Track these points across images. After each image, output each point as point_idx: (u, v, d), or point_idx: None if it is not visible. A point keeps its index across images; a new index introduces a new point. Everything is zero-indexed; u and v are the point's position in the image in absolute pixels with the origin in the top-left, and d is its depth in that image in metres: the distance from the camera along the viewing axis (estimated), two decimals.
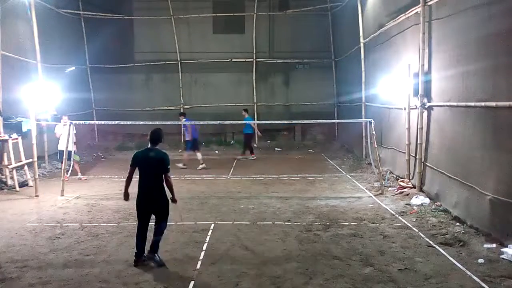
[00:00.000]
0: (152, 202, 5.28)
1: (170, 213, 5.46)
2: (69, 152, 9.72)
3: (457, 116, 6.87)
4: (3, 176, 9.76)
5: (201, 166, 12.05)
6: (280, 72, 17.68)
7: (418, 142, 8.38)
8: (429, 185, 7.98)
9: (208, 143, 16.48)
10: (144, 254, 5.27)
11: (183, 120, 12.44)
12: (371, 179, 10.19)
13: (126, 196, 5.44)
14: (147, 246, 5.33)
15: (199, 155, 12.28)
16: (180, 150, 15.72)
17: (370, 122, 9.30)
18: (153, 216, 5.40)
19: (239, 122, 13.46)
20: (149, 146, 5.38)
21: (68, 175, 10.22)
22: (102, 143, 16.66)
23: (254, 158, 13.85)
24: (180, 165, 12.04)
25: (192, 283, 4.74)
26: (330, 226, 6.69)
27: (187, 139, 12.66)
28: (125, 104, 16.56)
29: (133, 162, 5.36)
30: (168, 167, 5.29)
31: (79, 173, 10.78)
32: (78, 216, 7.40)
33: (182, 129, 12.83)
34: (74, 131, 10.09)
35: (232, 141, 14.27)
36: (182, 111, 15.12)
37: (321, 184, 10.07)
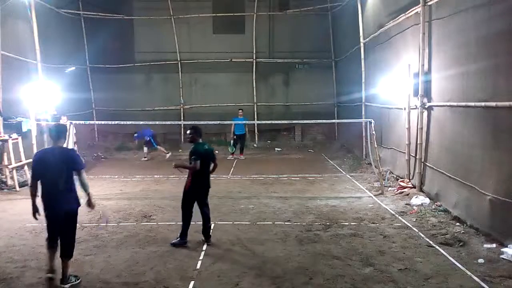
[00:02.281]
0: (204, 189, 6.05)
1: None
2: None
3: (457, 116, 6.87)
4: (3, 176, 9.76)
5: (144, 159, 13.93)
6: (280, 72, 17.67)
7: (418, 142, 8.38)
8: (429, 185, 7.98)
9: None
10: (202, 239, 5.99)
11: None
12: (371, 179, 10.18)
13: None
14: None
15: (145, 149, 14.14)
16: (180, 150, 15.74)
17: (370, 122, 9.30)
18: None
19: (240, 122, 13.51)
20: (200, 141, 6.06)
21: None
22: (102, 143, 16.66)
23: (232, 158, 13.98)
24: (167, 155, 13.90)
25: (192, 283, 4.74)
26: (330, 226, 6.69)
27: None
28: (125, 104, 16.54)
29: (199, 157, 5.84)
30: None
31: None
32: (78, 216, 7.37)
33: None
34: (74, 131, 10.13)
35: (232, 141, 14.33)
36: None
37: (321, 184, 10.07)
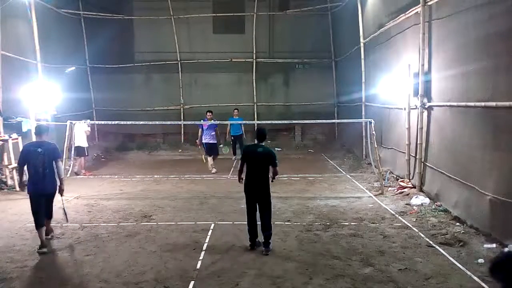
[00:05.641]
0: (256, 192, 5.81)
1: None
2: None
3: (457, 116, 6.87)
4: (3, 176, 9.76)
5: (213, 170, 11.59)
6: (280, 72, 17.66)
7: (418, 142, 8.38)
8: (429, 185, 7.98)
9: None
10: (261, 248, 5.71)
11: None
12: (371, 179, 10.18)
13: (240, 179, 6.10)
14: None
15: (209, 159, 11.74)
16: (180, 150, 15.74)
17: (370, 122, 9.30)
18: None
19: (235, 122, 13.47)
20: (256, 142, 5.95)
21: (68, 174, 10.26)
22: (102, 143, 16.65)
23: (233, 159, 13.53)
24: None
25: (192, 283, 4.74)
26: (330, 226, 6.69)
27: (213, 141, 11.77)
28: (125, 104, 16.53)
29: (244, 156, 5.94)
30: (276, 161, 5.84)
31: (83, 170, 11.50)
32: (78, 216, 7.40)
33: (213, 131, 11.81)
34: (74, 131, 10.56)
35: (231, 142, 14.26)
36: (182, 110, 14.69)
37: (321, 184, 10.07)
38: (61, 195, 6.20)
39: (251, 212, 5.86)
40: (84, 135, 11.43)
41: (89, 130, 11.82)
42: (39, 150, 5.91)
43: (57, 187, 6.07)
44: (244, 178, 5.94)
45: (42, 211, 5.91)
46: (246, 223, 5.90)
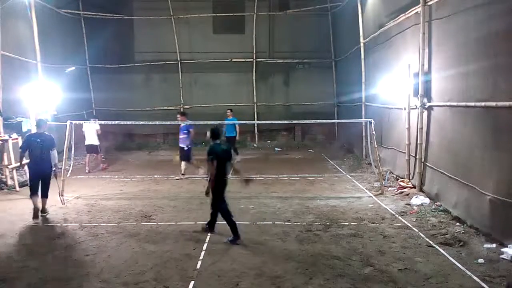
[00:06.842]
0: (223, 186, 6.25)
1: None
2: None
3: (457, 116, 6.87)
4: (3, 176, 9.76)
5: (179, 176, 10.81)
6: (280, 72, 17.68)
7: (418, 142, 8.38)
8: (429, 185, 7.98)
9: (208, 143, 16.40)
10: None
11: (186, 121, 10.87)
12: (371, 179, 10.18)
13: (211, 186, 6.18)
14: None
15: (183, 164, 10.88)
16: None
17: (370, 122, 9.30)
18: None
19: (240, 122, 13.43)
20: (215, 141, 6.36)
21: (68, 175, 10.26)
22: (102, 143, 16.61)
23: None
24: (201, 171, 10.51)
25: (192, 283, 4.74)
26: (330, 226, 6.69)
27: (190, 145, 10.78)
28: (125, 104, 16.56)
29: (214, 156, 6.13)
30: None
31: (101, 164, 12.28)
32: (78, 216, 7.40)
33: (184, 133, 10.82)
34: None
35: None
36: (181, 110, 15.03)
37: (321, 184, 10.07)
38: (55, 177, 7.74)
39: (226, 205, 6.22)
40: (95, 134, 11.98)
41: (100, 129, 12.16)
42: (38, 140, 7.36)
43: (52, 169, 7.51)
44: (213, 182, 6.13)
45: (37, 185, 7.33)
46: (226, 215, 6.16)
